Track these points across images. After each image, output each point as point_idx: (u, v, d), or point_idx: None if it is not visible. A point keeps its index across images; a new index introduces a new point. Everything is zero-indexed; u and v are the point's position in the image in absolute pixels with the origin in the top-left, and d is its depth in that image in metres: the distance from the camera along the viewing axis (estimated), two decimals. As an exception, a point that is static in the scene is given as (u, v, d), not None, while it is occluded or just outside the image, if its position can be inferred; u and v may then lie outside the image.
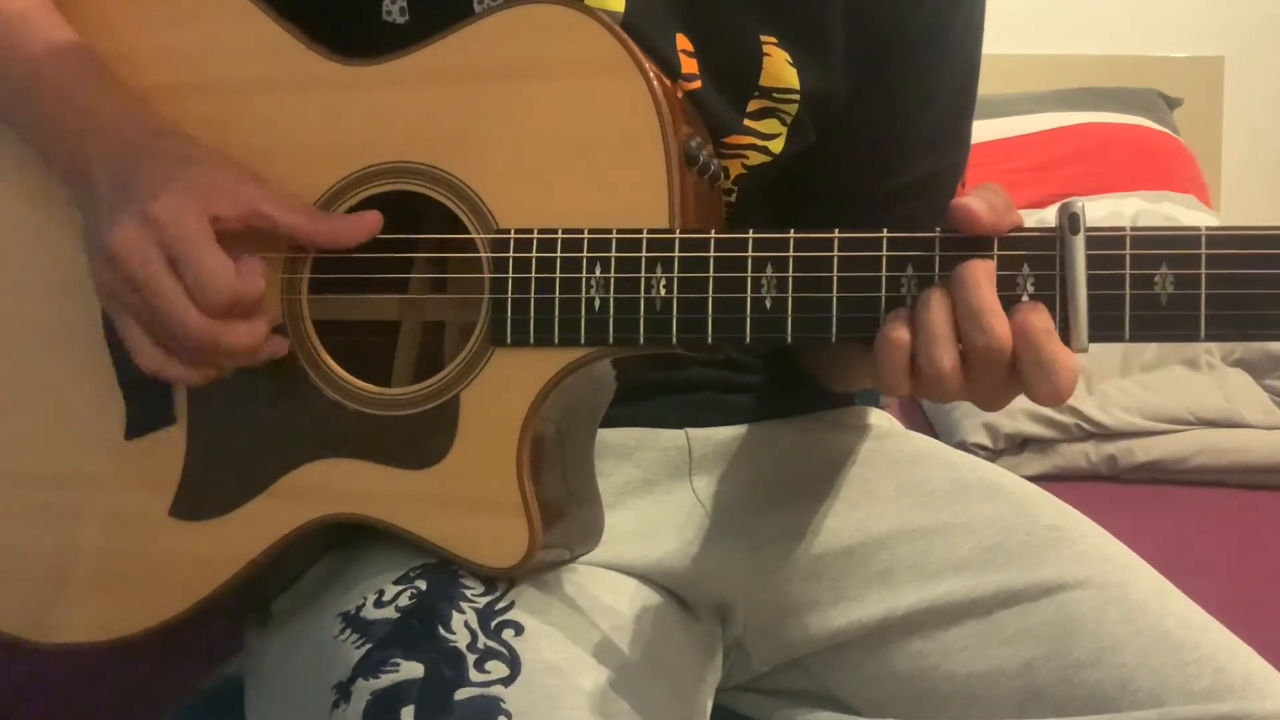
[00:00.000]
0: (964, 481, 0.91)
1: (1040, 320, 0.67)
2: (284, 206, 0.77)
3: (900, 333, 0.68)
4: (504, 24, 0.77)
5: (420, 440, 0.76)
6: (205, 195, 0.75)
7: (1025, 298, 0.68)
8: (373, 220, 0.77)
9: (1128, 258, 0.67)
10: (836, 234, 0.71)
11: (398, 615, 0.75)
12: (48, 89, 0.82)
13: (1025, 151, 2.35)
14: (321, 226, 0.77)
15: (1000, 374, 0.68)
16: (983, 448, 1.85)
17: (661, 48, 0.81)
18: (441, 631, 0.73)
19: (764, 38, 0.84)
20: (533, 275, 0.74)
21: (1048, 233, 0.68)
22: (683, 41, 0.83)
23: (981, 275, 0.67)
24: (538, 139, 0.76)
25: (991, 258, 0.68)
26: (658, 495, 0.91)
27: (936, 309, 0.68)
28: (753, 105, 0.85)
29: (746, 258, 0.71)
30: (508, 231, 0.75)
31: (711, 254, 0.72)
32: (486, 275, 0.75)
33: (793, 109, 0.85)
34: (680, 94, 0.79)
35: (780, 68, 0.84)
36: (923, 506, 0.90)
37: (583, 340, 0.74)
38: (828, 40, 0.85)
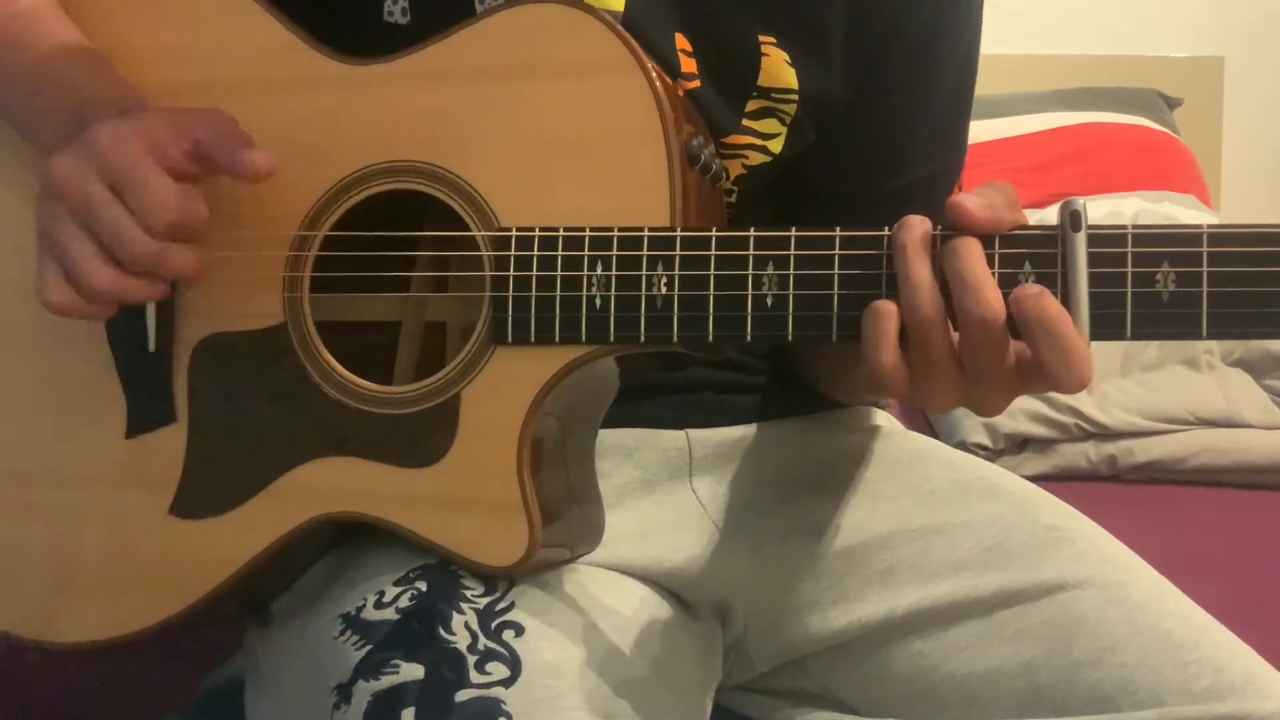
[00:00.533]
0: (964, 481, 0.91)
1: (1055, 307, 0.65)
2: (217, 132, 0.75)
3: (887, 305, 0.68)
4: (506, 23, 0.77)
5: (421, 439, 0.76)
6: (148, 124, 0.74)
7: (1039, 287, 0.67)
8: (261, 160, 0.75)
9: (1129, 255, 0.67)
10: (838, 233, 0.71)
11: (398, 616, 0.75)
12: (50, 87, 0.82)
13: (1025, 151, 2.35)
14: (240, 155, 0.75)
15: (995, 354, 0.67)
16: (983, 448, 1.85)
17: (661, 47, 0.81)
18: (442, 633, 0.73)
19: (763, 38, 0.84)
20: (534, 273, 0.74)
21: (1049, 230, 0.68)
22: (681, 41, 0.83)
23: (973, 248, 0.67)
24: (539, 138, 0.76)
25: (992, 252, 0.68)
26: (658, 496, 0.91)
27: (921, 268, 0.67)
28: (751, 105, 0.85)
29: (748, 256, 0.71)
30: (509, 230, 0.75)
31: (712, 252, 0.72)
32: (488, 274, 0.75)
33: (792, 109, 0.85)
34: (681, 93, 0.79)
35: (779, 68, 0.84)
36: (923, 506, 0.90)
37: (584, 339, 0.74)
38: (827, 41, 0.85)
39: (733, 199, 0.87)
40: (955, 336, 0.67)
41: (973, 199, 0.67)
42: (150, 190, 0.72)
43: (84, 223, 0.73)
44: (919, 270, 0.67)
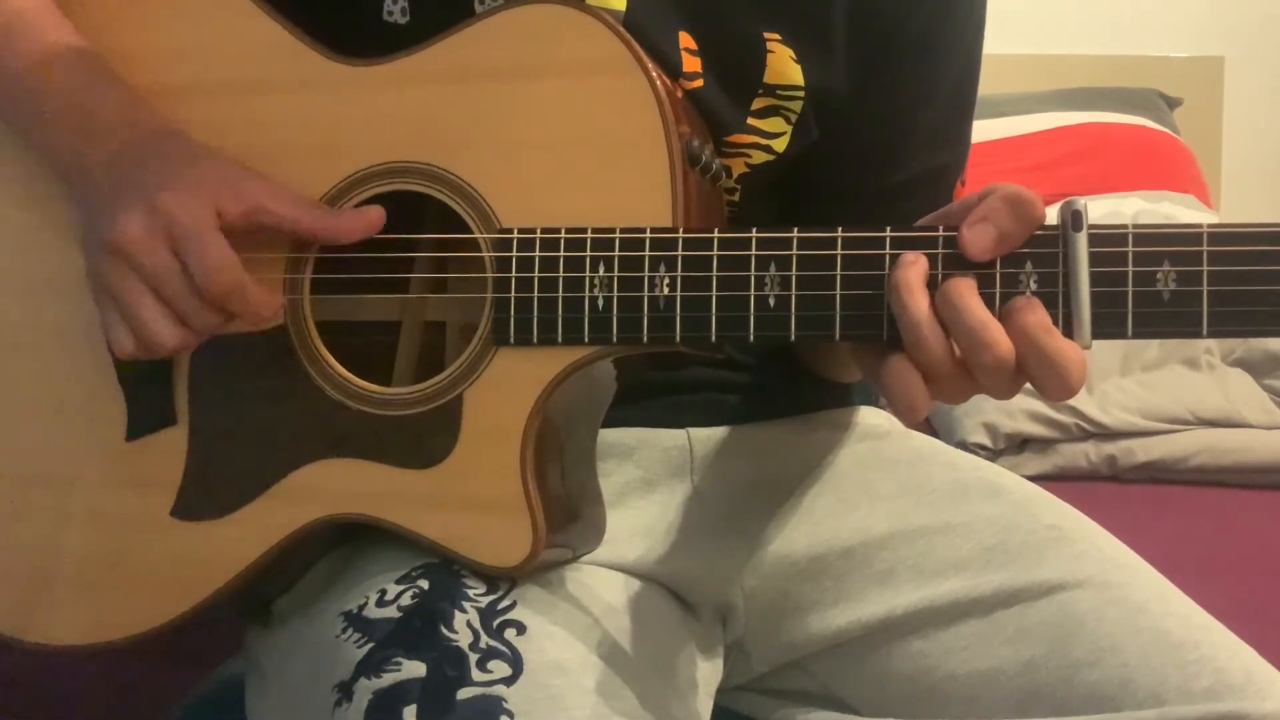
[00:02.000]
0: (964, 481, 0.91)
1: (1036, 317, 0.67)
2: (287, 201, 0.77)
3: (901, 361, 0.69)
4: (506, 24, 0.77)
5: (423, 440, 0.76)
6: (210, 190, 0.75)
7: (1026, 294, 0.68)
8: (374, 215, 0.78)
9: (1130, 255, 0.67)
10: (839, 233, 0.71)
11: (400, 614, 0.75)
12: (49, 89, 0.82)
13: (1025, 151, 2.34)
14: (323, 221, 0.78)
15: (1006, 375, 0.68)
16: (983, 447, 1.85)
17: (664, 46, 0.81)
18: (444, 631, 0.73)
19: (767, 35, 0.84)
20: (536, 275, 0.74)
21: (1050, 230, 0.68)
22: (685, 39, 0.83)
23: (966, 292, 0.67)
24: (540, 139, 0.76)
25: (970, 274, 0.68)
26: (659, 495, 0.91)
27: (920, 307, 0.68)
28: (757, 103, 0.85)
29: (750, 256, 0.71)
30: (511, 231, 0.75)
31: (715, 253, 0.72)
32: (490, 275, 0.75)
33: (797, 106, 0.85)
34: (680, 93, 0.79)
35: (784, 64, 0.84)
36: (923, 506, 0.90)
37: (586, 339, 0.74)
38: (830, 37, 0.85)
39: (736, 197, 0.87)
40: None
41: (981, 239, 0.68)
42: (210, 257, 0.75)
43: (148, 282, 0.75)
44: (918, 307, 0.68)
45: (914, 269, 0.69)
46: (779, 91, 0.85)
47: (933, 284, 0.69)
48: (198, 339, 0.77)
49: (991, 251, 0.68)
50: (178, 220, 0.74)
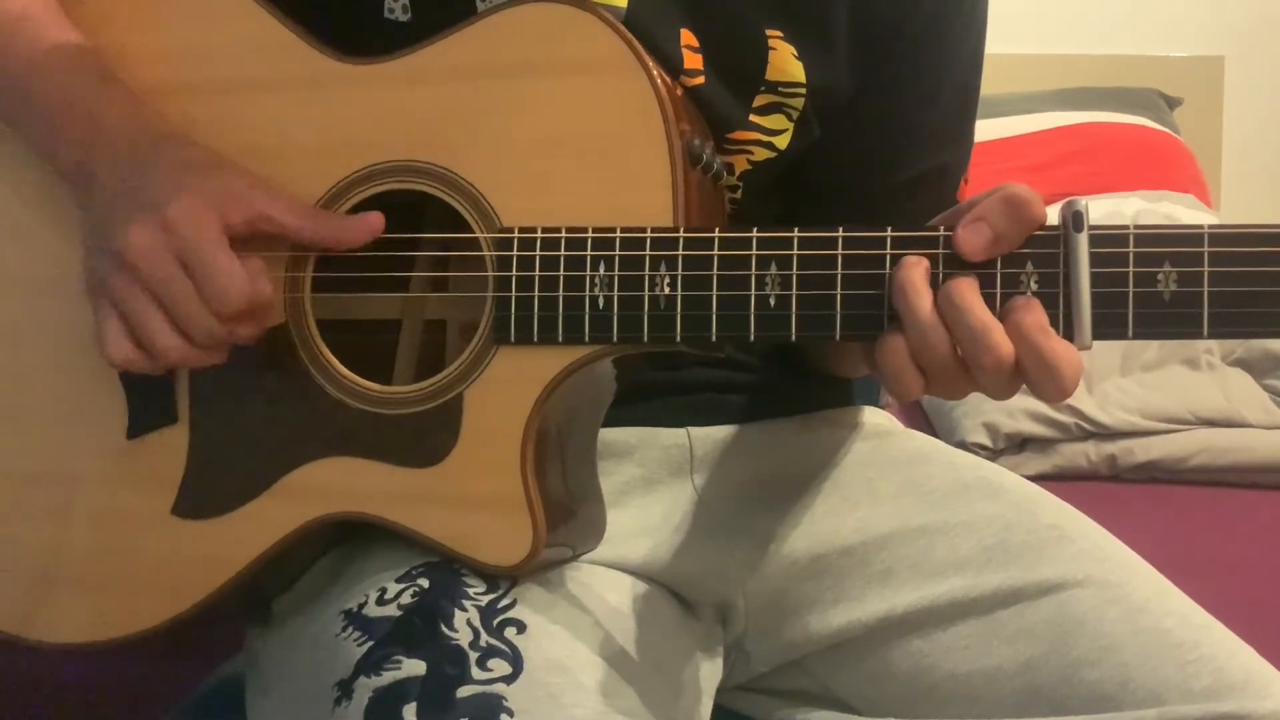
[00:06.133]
0: (964, 481, 0.92)
1: (1035, 317, 0.67)
2: (289, 210, 0.77)
3: (896, 340, 0.69)
4: (507, 22, 0.77)
5: (423, 439, 0.76)
6: (218, 202, 0.75)
7: (1027, 295, 0.68)
8: (374, 221, 0.78)
9: (1131, 255, 0.67)
10: (840, 232, 0.71)
11: (400, 613, 0.75)
12: (50, 90, 0.82)
13: (1025, 151, 2.35)
14: (324, 228, 0.78)
15: (1007, 377, 0.68)
16: (983, 447, 1.85)
17: (665, 43, 0.81)
18: (444, 629, 0.73)
19: (769, 32, 0.84)
20: (536, 274, 0.74)
21: (1051, 231, 0.68)
22: (687, 37, 0.83)
23: (968, 292, 0.68)
24: (541, 137, 0.76)
25: (973, 275, 0.68)
26: (659, 494, 0.91)
27: (923, 306, 0.68)
28: (759, 100, 0.85)
29: (750, 256, 0.72)
30: (512, 230, 0.75)
31: (715, 253, 0.72)
32: (491, 274, 0.75)
33: (799, 104, 0.85)
34: (680, 91, 0.79)
35: (786, 61, 0.84)
36: (923, 506, 0.90)
37: (587, 339, 0.74)
38: (832, 34, 0.85)
39: (737, 195, 0.87)
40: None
41: (975, 239, 0.68)
42: (224, 278, 0.74)
43: (156, 297, 0.75)
44: (922, 307, 0.68)
45: (918, 269, 0.69)
46: (780, 88, 0.85)
47: (934, 283, 0.69)
48: (199, 354, 0.77)
49: (986, 251, 0.68)
50: (185, 235, 0.74)
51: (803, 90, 0.85)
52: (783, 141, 0.86)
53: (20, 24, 0.83)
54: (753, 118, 0.85)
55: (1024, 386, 0.69)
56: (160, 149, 0.79)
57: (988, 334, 0.67)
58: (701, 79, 0.83)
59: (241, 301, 0.75)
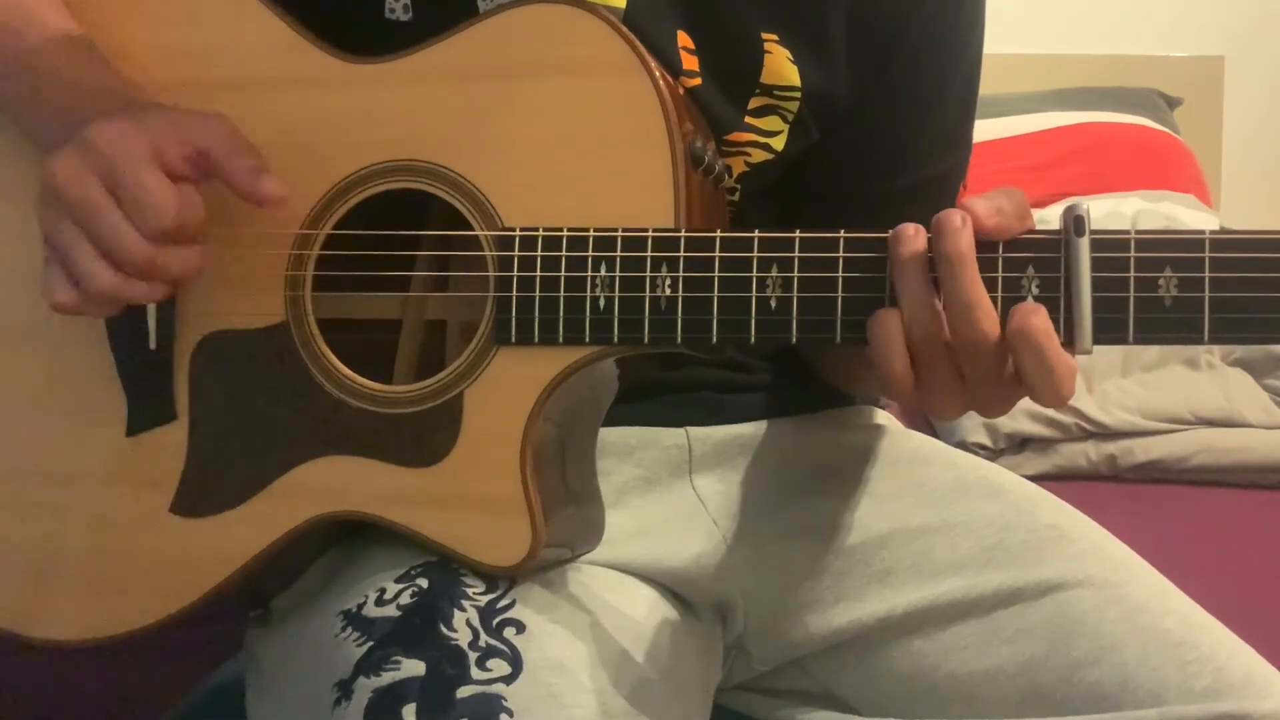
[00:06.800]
0: (964, 481, 0.92)
1: (1040, 322, 0.67)
2: (227, 146, 0.75)
3: (890, 313, 0.69)
4: (509, 22, 0.77)
5: (423, 438, 0.76)
6: (149, 127, 0.73)
7: (1029, 299, 0.68)
8: (278, 195, 0.75)
9: (1132, 260, 0.67)
10: (842, 234, 0.71)
11: (399, 613, 0.75)
12: (45, 77, 0.82)
13: (1025, 151, 2.34)
14: (258, 183, 0.75)
15: (990, 368, 0.68)
16: (983, 447, 1.85)
17: (662, 45, 0.81)
18: (443, 629, 0.73)
19: (765, 35, 0.84)
20: (537, 274, 0.74)
21: (1052, 235, 0.68)
22: (683, 39, 0.83)
23: (969, 267, 0.67)
24: (543, 138, 0.76)
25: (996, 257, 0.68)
26: (658, 494, 0.91)
27: (919, 282, 0.68)
28: (754, 103, 0.85)
29: (751, 258, 0.71)
30: (513, 230, 0.75)
31: (716, 254, 0.72)
32: (491, 274, 0.75)
33: (794, 106, 0.85)
34: (681, 91, 0.79)
35: (781, 65, 0.84)
36: (923, 505, 0.90)
37: (587, 339, 0.74)
38: (829, 40, 0.85)
39: (736, 197, 0.87)
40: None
41: (981, 204, 0.68)
42: (147, 194, 0.72)
43: (80, 222, 0.73)
44: (918, 284, 0.68)
45: (919, 238, 0.68)
46: (775, 91, 0.85)
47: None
48: (130, 284, 0.74)
49: (990, 215, 0.68)
50: (109, 155, 0.72)
51: (798, 94, 0.85)
52: (779, 143, 0.86)
53: (20, 12, 0.83)
54: (748, 120, 0.85)
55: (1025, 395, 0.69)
56: (120, 98, 0.77)
57: (973, 309, 0.67)
58: (698, 80, 0.83)
59: (167, 218, 0.72)
